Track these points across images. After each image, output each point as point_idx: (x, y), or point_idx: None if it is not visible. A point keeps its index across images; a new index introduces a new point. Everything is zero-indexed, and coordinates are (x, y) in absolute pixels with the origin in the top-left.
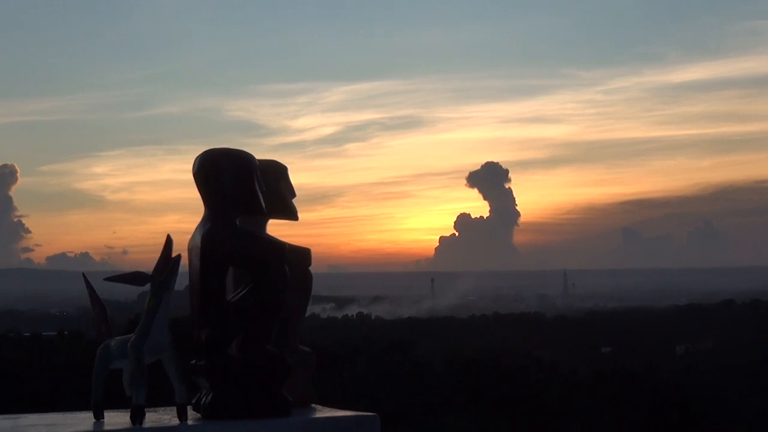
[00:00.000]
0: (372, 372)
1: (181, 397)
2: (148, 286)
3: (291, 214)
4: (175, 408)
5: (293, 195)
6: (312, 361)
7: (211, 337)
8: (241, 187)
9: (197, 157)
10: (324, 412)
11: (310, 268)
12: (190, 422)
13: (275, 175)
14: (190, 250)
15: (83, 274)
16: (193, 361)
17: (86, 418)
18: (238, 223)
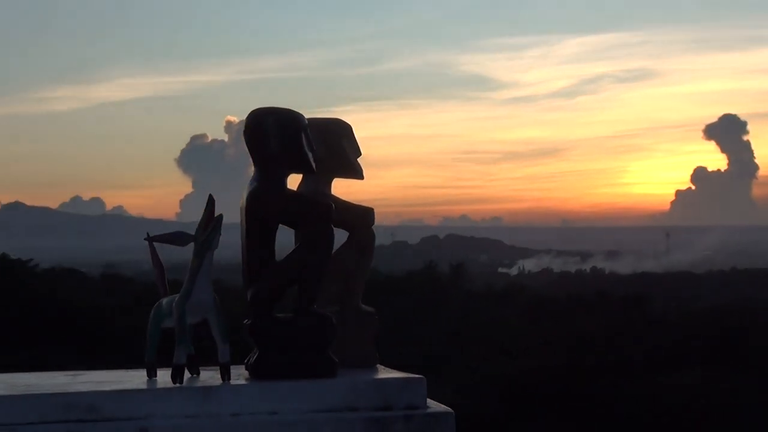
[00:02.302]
0: (605, 326)
1: (224, 356)
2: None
3: (355, 172)
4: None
5: (358, 154)
6: (373, 321)
7: (255, 296)
8: (287, 146)
9: (247, 116)
10: (375, 374)
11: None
12: (233, 382)
13: (337, 133)
14: (240, 209)
15: (147, 234)
16: (245, 321)
17: (139, 376)
18: (304, 184)
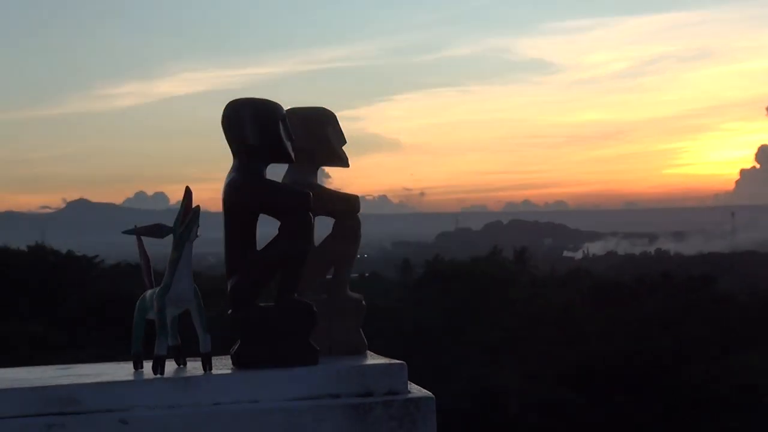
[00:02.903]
0: (670, 308)
1: (205, 347)
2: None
3: (340, 160)
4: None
5: (343, 142)
6: (361, 308)
7: (236, 287)
8: (265, 137)
9: (224, 107)
10: (357, 360)
11: (359, 214)
12: (214, 372)
13: (321, 122)
14: (221, 201)
15: (135, 225)
16: (228, 311)
17: (126, 368)
18: (289, 174)
